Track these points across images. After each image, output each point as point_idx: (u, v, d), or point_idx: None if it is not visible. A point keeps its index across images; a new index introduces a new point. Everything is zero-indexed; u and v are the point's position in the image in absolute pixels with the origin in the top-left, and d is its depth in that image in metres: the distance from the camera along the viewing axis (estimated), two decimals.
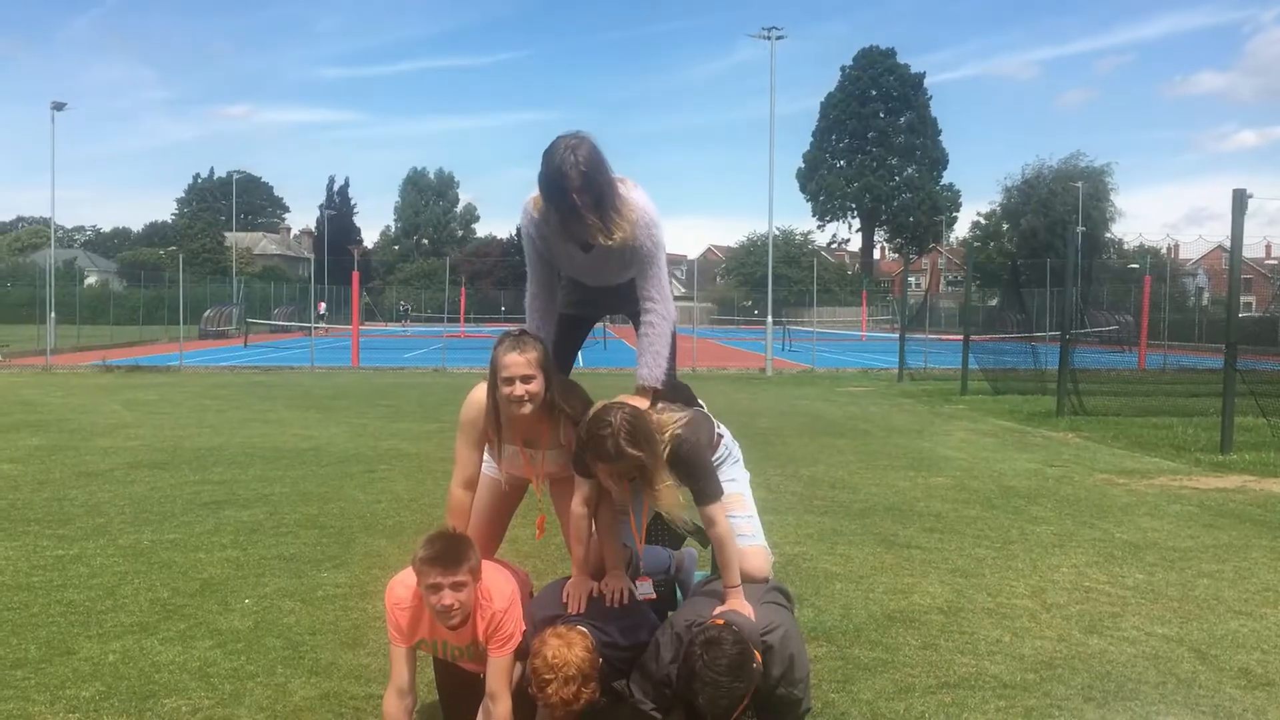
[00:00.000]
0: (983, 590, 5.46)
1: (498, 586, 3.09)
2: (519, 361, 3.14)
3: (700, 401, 3.62)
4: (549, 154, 3.21)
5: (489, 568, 3.12)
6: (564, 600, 3.21)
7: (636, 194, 3.43)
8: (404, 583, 3.07)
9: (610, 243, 3.28)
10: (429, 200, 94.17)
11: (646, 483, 3.11)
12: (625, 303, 3.66)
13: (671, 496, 3.14)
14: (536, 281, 3.60)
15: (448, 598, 2.88)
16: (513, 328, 3.42)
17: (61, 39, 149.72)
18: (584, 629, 3.00)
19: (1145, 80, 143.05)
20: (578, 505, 3.32)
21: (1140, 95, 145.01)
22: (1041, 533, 6.96)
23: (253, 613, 4.96)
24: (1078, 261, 21.12)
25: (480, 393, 3.36)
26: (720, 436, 3.56)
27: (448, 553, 2.87)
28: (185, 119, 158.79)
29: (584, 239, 3.31)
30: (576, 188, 3.17)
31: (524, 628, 3.12)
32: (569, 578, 3.36)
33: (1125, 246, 62.11)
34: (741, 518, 3.48)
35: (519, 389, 3.14)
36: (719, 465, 3.41)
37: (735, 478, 3.59)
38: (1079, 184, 62.64)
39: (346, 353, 28.26)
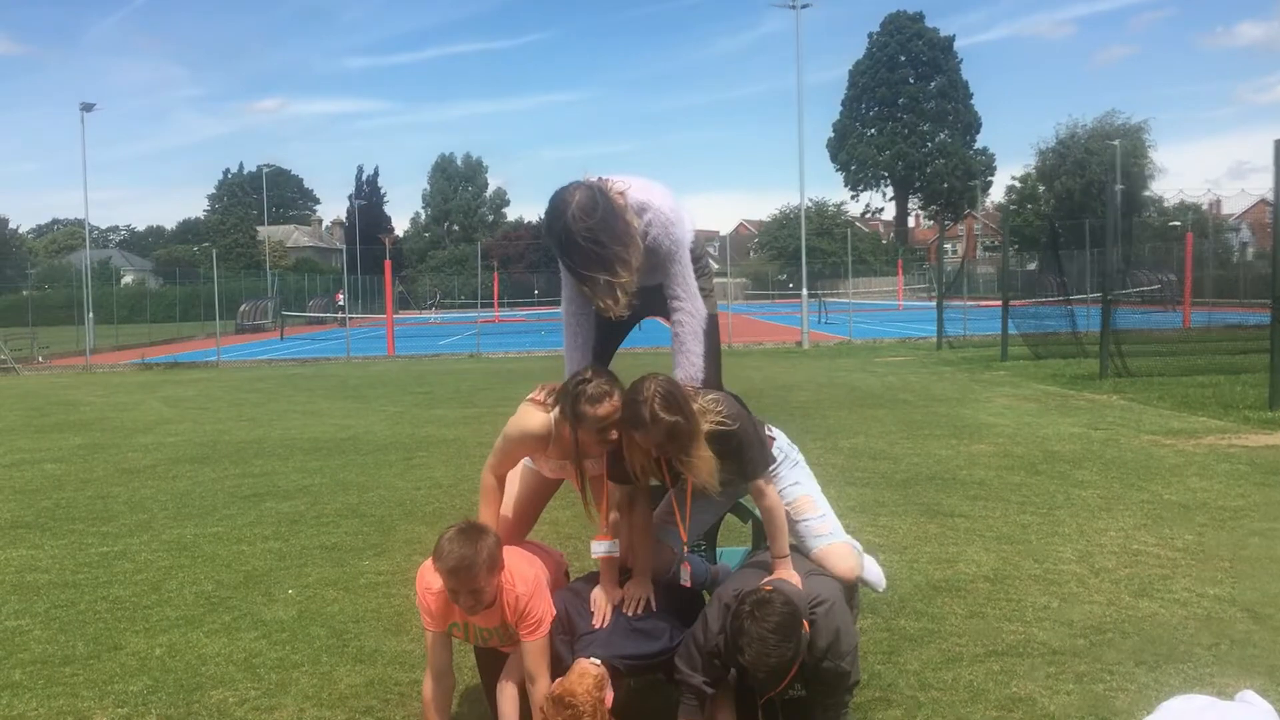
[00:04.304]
0: (1029, 557, 5.42)
1: (520, 571, 3.10)
2: (616, 407, 3.07)
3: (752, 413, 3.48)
4: (551, 220, 3.17)
5: (512, 553, 3.13)
6: (591, 609, 3.21)
7: (651, 195, 3.36)
8: (434, 568, 3.08)
9: (617, 308, 3.24)
10: (458, 186, 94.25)
11: (681, 450, 3.04)
12: (662, 304, 3.61)
13: (708, 466, 3.08)
14: (570, 284, 3.52)
15: (465, 600, 2.92)
16: (584, 372, 3.25)
17: (91, 41, 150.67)
18: (596, 665, 3.00)
19: (1184, 33, 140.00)
20: (611, 512, 3.32)
21: (1180, 49, 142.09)
22: (1087, 497, 6.89)
23: (296, 603, 5.01)
24: (1117, 221, 20.88)
25: (533, 423, 3.30)
26: (773, 438, 3.51)
27: (461, 566, 2.87)
28: (216, 115, 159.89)
29: (598, 301, 3.27)
30: (582, 261, 3.14)
31: (554, 611, 3.14)
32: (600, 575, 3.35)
33: (1166, 204, 61.30)
34: (814, 519, 3.44)
35: (613, 434, 3.10)
36: (776, 470, 3.39)
37: (799, 480, 3.54)
38: (1115, 142, 61.72)
39: (382, 342, 28.42)
